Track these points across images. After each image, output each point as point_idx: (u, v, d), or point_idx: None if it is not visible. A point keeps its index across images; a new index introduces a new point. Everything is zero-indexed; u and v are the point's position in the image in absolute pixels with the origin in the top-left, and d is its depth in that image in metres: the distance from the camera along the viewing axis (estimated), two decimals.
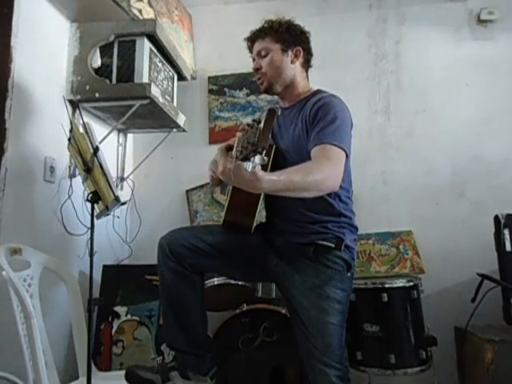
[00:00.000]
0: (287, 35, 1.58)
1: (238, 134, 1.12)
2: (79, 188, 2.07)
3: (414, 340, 2.02)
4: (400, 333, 2.02)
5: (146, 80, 2.11)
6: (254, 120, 1.04)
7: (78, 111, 2.16)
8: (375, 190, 2.64)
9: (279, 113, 1.07)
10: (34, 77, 1.92)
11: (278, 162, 1.52)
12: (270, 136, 0.98)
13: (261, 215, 1.65)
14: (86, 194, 1.79)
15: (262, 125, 0.99)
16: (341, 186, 1.48)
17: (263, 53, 1.58)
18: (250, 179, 1.09)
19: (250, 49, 1.65)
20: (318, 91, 1.60)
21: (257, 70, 1.60)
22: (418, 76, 2.73)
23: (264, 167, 1.42)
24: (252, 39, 1.63)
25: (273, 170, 1.49)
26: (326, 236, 1.47)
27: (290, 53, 1.58)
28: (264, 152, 0.98)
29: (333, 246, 1.46)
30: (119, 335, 2.20)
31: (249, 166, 1.02)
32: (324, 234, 1.47)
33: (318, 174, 1.25)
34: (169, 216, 2.74)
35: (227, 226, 1.54)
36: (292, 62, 1.59)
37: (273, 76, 1.58)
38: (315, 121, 1.44)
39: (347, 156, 1.40)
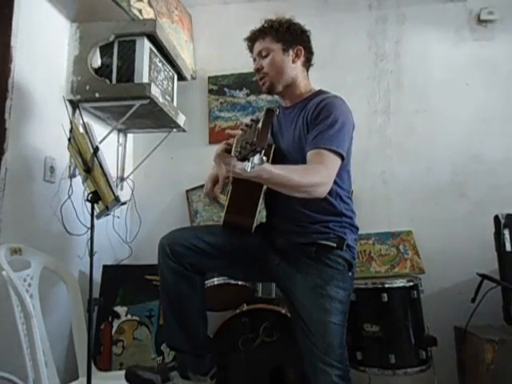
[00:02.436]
0: (288, 35, 1.57)
1: (234, 135, 1.12)
2: (79, 188, 2.07)
3: (414, 340, 2.02)
4: (400, 333, 2.03)
5: (146, 80, 2.11)
6: (252, 120, 1.04)
7: (78, 111, 2.16)
8: (375, 190, 2.64)
9: (278, 112, 1.08)
10: (34, 77, 1.91)
11: (278, 162, 1.52)
12: (268, 136, 0.98)
13: (261, 215, 1.65)
14: (86, 194, 1.79)
15: (260, 125, 0.99)
16: (341, 187, 1.50)
17: (264, 53, 1.57)
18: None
19: (251, 49, 1.64)
20: (321, 91, 1.59)
21: (258, 70, 1.59)
22: (418, 76, 2.73)
23: None
24: (252, 39, 1.62)
25: None
26: (328, 236, 1.47)
27: (291, 52, 1.57)
28: (263, 152, 0.99)
29: (334, 245, 1.46)
30: (119, 335, 2.20)
31: (248, 166, 1.03)
32: (325, 234, 1.47)
33: (314, 178, 1.30)
34: (169, 216, 2.74)
35: (227, 227, 1.54)
36: (293, 62, 1.58)
37: (274, 76, 1.57)
38: (316, 122, 1.44)
39: (343, 160, 1.41)
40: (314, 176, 1.31)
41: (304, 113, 1.51)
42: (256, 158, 1.00)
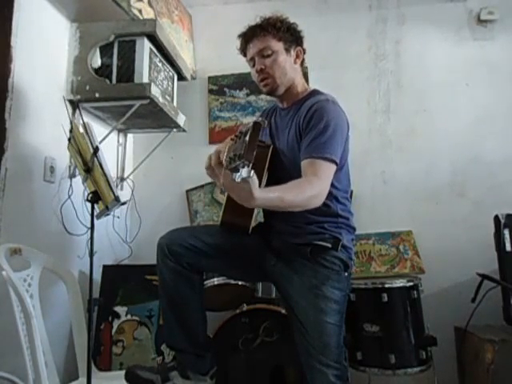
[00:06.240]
0: (288, 34, 1.55)
1: (229, 141, 1.13)
2: (79, 188, 2.08)
3: (414, 340, 2.02)
4: (400, 333, 2.02)
5: (145, 80, 2.11)
6: (240, 132, 1.04)
7: (78, 111, 2.16)
8: (375, 190, 2.64)
9: (265, 124, 1.08)
10: (34, 77, 1.92)
11: (275, 162, 1.53)
12: (255, 150, 0.98)
13: (261, 215, 1.65)
14: (86, 194, 1.79)
15: (247, 138, 0.99)
16: (338, 188, 1.50)
17: (266, 52, 1.52)
18: (245, 196, 1.10)
19: (245, 44, 1.57)
20: (315, 92, 1.58)
21: (261, 70, 1.53)
22: (418, 76, 2.74)
23: (261, 167, 1.43)
24: (249, 36, 1.55)
25: (270, 169, 1.50)
26: (323, 236, 1.47)
27: (292, 53, 1.56)
28: (250, 165, 1.00)
29: (330, 246, 1.46)
30: (119, 335, 2.20)
31: (236, 176, 1.03)
32: (321, 235, 1.47)
33: (307, 193, 1.29)
34: (169, 216, 2.74)
35: (225, 227, 1.54)
36: (294, 63, 1.57)
37: (279, 77, 1.53)
38: (308, 128, 1.43)
39: (337, 165, 1.41)
40: (307, 191, 1.29)
41: (297, 117, 1.50)
42: (244, 171, 1.01)
